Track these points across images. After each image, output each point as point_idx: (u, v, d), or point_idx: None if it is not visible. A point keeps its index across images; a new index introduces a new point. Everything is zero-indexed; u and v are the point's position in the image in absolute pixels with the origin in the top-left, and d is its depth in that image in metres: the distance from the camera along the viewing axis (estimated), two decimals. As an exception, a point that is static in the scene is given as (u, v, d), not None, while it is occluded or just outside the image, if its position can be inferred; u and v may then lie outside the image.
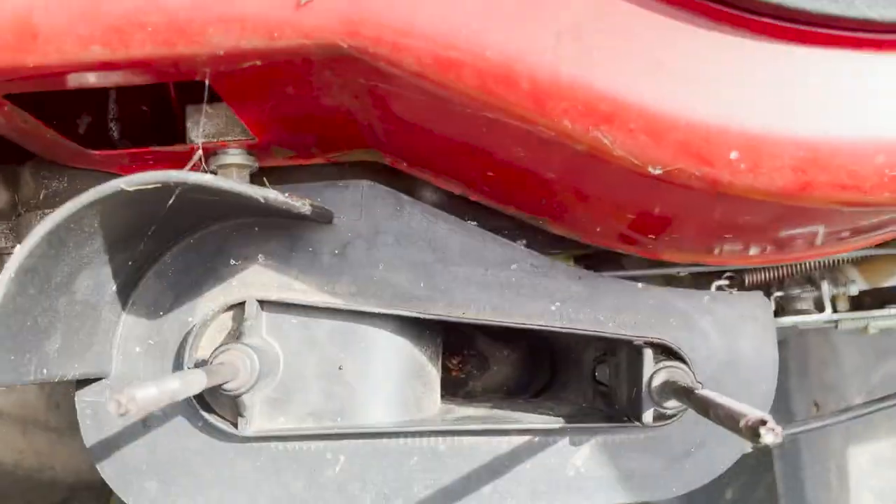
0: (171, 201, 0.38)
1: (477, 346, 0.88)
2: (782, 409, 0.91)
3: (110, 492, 0.69)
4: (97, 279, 0.43)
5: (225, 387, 0.46)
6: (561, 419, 0.54)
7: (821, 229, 0.48)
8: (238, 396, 0.50)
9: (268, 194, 0.40)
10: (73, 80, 0.36)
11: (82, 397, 0.55)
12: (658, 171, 0.39)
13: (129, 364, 0.48)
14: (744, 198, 0.39)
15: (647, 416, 0.51)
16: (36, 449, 0.95)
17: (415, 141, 0.42)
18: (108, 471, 0.55)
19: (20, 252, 0.38)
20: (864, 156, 0.38)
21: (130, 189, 0.37)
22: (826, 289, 0.71)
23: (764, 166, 0.38)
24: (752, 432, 0.38)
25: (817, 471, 0.88)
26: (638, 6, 0.38)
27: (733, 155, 0.38)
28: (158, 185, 0.37)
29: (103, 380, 0.53)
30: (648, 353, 0.53)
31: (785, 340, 0.84)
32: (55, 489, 0.98)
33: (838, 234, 0.51)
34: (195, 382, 0.42)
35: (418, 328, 0.56)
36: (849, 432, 0.86)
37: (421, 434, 0.49)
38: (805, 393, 0.87)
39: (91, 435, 0.54)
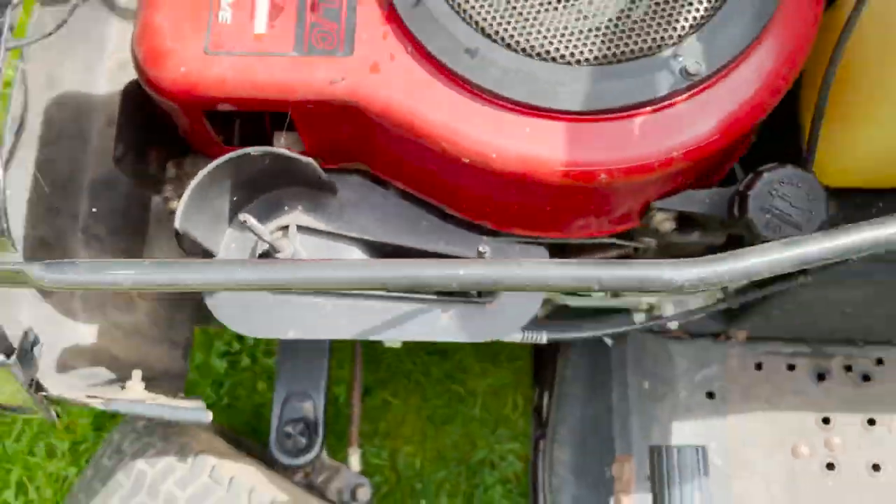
0: (264, 164, 0.72)
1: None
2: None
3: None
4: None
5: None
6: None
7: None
8: None
9: (310, 164, 0.73)
10: (233, 106, 0.72)
11: None
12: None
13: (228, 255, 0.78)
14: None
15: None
16: None
17: (387, 155, 0.74)
18: None
19: (197, 176, 0.71)
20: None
21: (254, 154, 0.72)
22: None
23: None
24: None
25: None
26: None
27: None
28: (262, 153, 0.72)
29: None
30: None
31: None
32: None
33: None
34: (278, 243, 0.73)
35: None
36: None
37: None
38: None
39: None
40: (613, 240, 0.81)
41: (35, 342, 0.70)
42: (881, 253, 0.58)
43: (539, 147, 0.65)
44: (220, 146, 0.75)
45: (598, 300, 1.02)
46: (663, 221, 0.75)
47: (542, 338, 0.94)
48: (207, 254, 0.76)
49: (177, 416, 0.80)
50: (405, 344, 1.46)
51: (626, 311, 1.03)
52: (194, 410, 0.81)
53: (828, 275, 0.83)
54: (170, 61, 0.67)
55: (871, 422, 1.07)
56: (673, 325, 1.02)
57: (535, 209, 0.73)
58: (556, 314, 1.10)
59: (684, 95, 0.64)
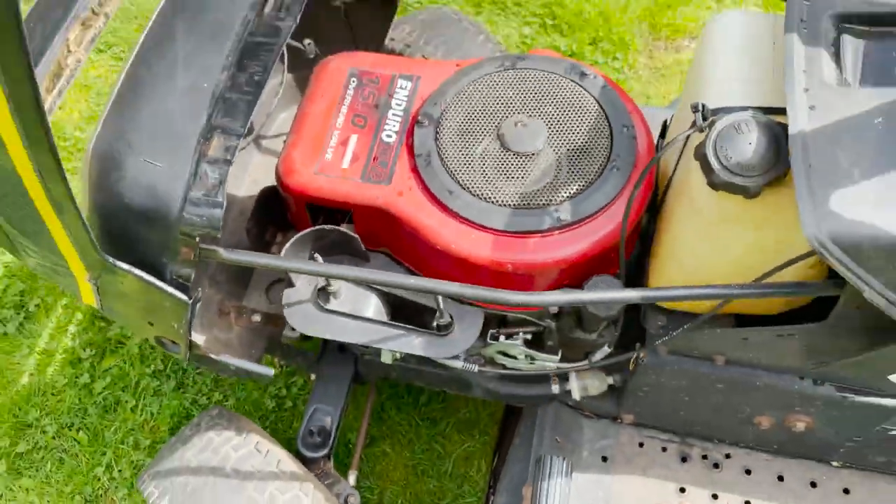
0: (331, 237, 1.27)
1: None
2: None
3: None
4: None
5: None
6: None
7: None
8: None
9: (357, 240, 1.30)
10: (323, 203, 1.30)
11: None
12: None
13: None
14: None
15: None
16: None
17: (401, 244, 1.34)
18: None
19: (294, 237, 1.30)
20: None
21: (326, 229, 1.27)
22: None
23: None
24: None
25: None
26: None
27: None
28: (331, 229, 1.29)
29: None
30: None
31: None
32: None
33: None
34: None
35: None
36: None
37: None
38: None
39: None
40: (527, 316, 1.33)
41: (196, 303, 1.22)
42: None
43: (479, 247, 1.20)
44: (308, 225, 1.34)
45: (524, 365, 1.50)
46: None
47: (475, 369, 1.41)
48: (290, 283, 1.32)
49: (252, 368, 1.32)
50: (402, 409, 1.95)
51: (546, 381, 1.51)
52: (264, 368, 1.33)
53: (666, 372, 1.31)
54: (295, 175, 1.27)
55: (715, 496, 1.49)
56: (575, 396, 1.49)
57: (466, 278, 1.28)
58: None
59: (557, 232, 1.19)
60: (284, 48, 1.31)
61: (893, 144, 0.89)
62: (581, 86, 1.29)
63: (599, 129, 1.25)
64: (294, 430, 1.95)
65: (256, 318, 1.53)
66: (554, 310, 1.29)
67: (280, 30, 1.14)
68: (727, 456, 1.53)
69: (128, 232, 1.07)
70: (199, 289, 1.18)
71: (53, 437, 1.95)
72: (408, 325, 1.29)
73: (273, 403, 1.99)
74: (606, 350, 1.34)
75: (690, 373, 1.31)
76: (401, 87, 1.33)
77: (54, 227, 1.00)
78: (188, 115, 1.07)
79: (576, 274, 1.23)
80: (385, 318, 1.31)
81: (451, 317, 1.27)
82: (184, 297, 1.10)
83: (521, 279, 1.23)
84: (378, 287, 1.31)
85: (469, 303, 1.31)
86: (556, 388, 1.50)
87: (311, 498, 1.47)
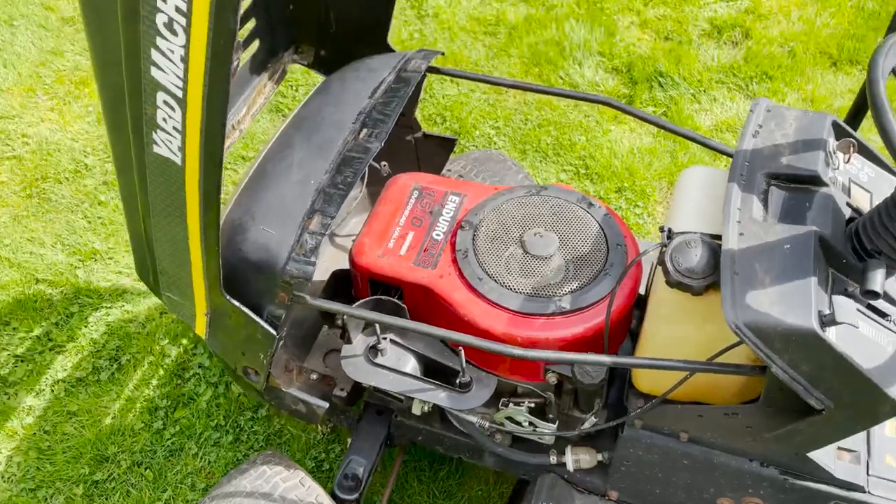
0: (386, 306, 1.66)
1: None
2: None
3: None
4: None
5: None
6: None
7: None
8: None
9: (405, 309, 1.67)
10: (382, 280, 1.69)
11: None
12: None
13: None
14: None
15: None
16: None
17: (440, 317, 1.68)
18: None
19: (357, 303, 1.70)
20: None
21: (384, 299, 1.66)
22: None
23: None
24: None
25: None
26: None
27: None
28: (388, 300, 1.67)
29: None
30: None
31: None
32: None
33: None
34: None
35: None
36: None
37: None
38: None
39: None
40: (533, 388, 1.66)
41: (281, 340, 1.59)
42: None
43: (497, 323, 1.56)
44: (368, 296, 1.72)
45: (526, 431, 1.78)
46: (551, 377, 1.60)
47: (486, 425, 1.72)
48: (348, 340, 1.68)
49: (311, 399, 1.66)
50: (423, 481, 2.23)
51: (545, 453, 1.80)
52: (320, 401, 1.67)
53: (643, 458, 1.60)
54: (364, 256, 1.67)
55: (684, 570, 1.72)
56: (569, 467, 1.76)
57: (493, 358, 1.62)
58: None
59: (558, 316, 1.54)
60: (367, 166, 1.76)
61: (793, 263, 1.24)
62: (588, 212, 1.69)
63: (598, 244, 1.63)
64: (328, 489, 2.24)
65: (313, 376, 1.88)
66: (553, 380, 1.61)
67: (369, 150, 1.58)
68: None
69: (243, 279, 1.47)
70: (284, 331, 1.56)
71: (125, 472, 2.28)
72: (436, 381, 1.63)
73: (313, 464, 2.29)
74: (594, 420, 1.64)
75: (660, 447, 1.59)
76: (451, 201, 1.75)
77: (197, 275, 1.41)
78: (298, 201, 1.49)
79: (572, 350, 1.57)
80: (419, 375, 1.65)
81: (471, 378, 1.62)
82: (274, 332, 1.48)
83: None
84: (416, 351, 1.67)
85: (486, 370, 1.65)
86: (553, 459, 1.78)
87: (340, 531, 1.76)
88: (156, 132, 1.14)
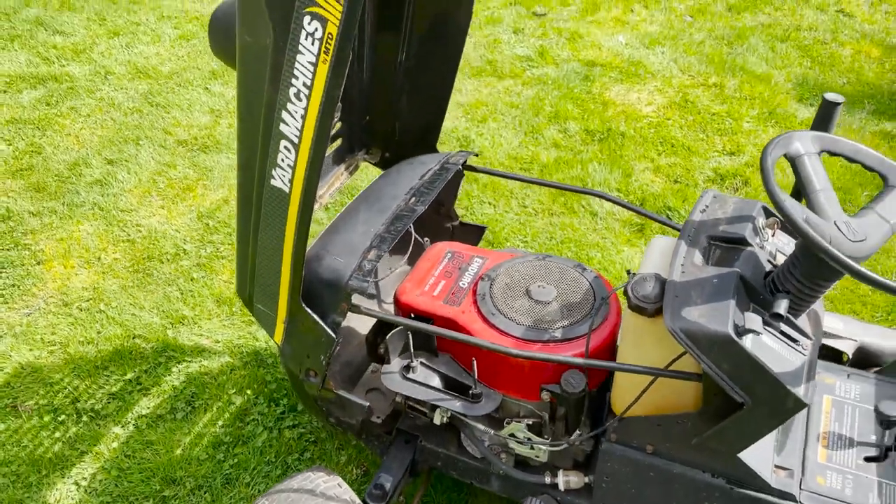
0: (413, 336, 2.14)
1: None
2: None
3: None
4: None
5: None
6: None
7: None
8: None
9: (433, 338, 2.13)
10: (419, 314, 2.18)
11: None
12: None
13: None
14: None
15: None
16: None
17: (463, 349, 2.13)
18: None
19: (400, 328, 2.17)
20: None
21: (412, 326, 2.17)
22: None
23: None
24: None
25: None
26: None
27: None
28: (420, 327, 2.18)
29: None
30: None
31: None
32: None
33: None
34: None
35: None
36: None
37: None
38: None
39: None
40: (530, 407, 2.07)
41: (337, 344, 2.07)
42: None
43: (504, 345, 2.02)
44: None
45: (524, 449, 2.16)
46: (545, 395, 2.01)
47: (490, 433, 2.12)
48: (388, 362, 2.14)
49: (354, 398, 2.10)
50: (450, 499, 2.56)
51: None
52: (362, 400, 2.11)
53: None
54: (406, 295, 2.17)
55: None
56: (560, 487, 2.12)
57: (496, 374, 2.05)
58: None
59: (552, 343, 1.99)
60: (412, 241, 2.31)
61: (718, 290, 1.70)
62: (581, 274, 2.18)
63: (587, 296, 2.11)
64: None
65: (364, 410, 2.32)
66: (546, 398, 2.03)
67: (415, 210, 2.13)
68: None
69: (316, 294, 1.98)
70: (341, 337, 2.04)
71: (188, 493, 2.68)
72: (454, 393, 2.07)
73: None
74: (577, 433, 2.03)
75: (631, 460, 1.96)
76: (475, 261, 2.27)
77: (283, 286, 1.93)
78: (360, 240, 2.03)
79: (560, 371, 2.00)
80: (441, 388, 2.10)
81: (481, 391, 2.05)
82: (333, 335, 1.97)
83: (529, 370, 2.01)
84: (439, 371, 2.12)
85: (493, 388, 2.08)
86: (547, 479, 2.15)
87: (367, 528, 2.13)
88: (275, 169, 1.71)
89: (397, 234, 2.06)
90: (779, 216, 1.95)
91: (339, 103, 2.32)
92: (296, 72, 1.56)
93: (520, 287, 2.15)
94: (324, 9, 1.48)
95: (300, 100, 1.58)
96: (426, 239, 2.49)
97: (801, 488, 1.85)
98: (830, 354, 2.53)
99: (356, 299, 2.00)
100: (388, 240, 2.04)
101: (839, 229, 1.66)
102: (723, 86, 4.83)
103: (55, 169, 4.04)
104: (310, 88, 1.56)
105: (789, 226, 1.60)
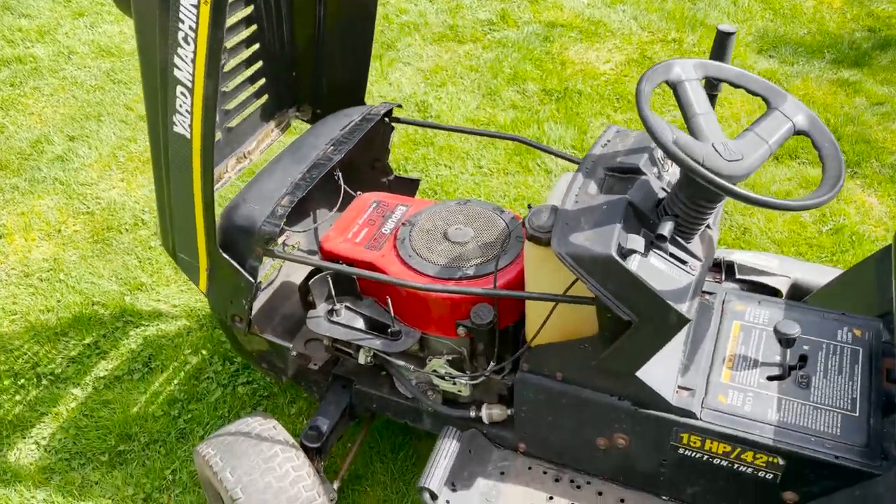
0: (336, 278, 2.23)
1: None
2: None
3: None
4: None
5: None
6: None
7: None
8: None
9: (355, 282, 2.21)
10: (342, 262, 2.31)
11: None
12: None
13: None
14: None
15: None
16: None
17: (381, 289, 2.19)
18: None
19: (323, 273, 2.23)
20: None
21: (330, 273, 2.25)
22: None
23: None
24: None
25: None
26: None
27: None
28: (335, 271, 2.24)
29: None
30: None
31: None
32: None
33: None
34: None
35: None
36: None
37: None
38: None
39: None
40: (449, 343, 2.14)
41: (258, 289, 2.14)
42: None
43: (421, 282, 2.08)
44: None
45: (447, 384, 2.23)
46: (461, 330, 2.08)
47: (410, 368, 2.20)
48: (313, 306, 2.22)
49: (280, 341, 2.18)
50: (384, 462, 2.65)
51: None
52: (287, 343, 2.19)
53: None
54: (329, 243, 2.23)
55: (573, 504, 2.09)
56: (485, 420, 2.20)
57: (413, 313, 2.12)
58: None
59: (464, 280, 2.05)
60: (343, 192, 2.38)
61: (605, 215, 1.76)
62: (499, 216, 2.24)
63: (502, 236, 2.17)
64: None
65: (294, 353, 2.40)
66: (462, 333, 2.09)
67: (332, 159, 2.20)
68: (588, 483, 2.15)
69: (233, 241, 2.06)
70: (260, 281, 2.11)
71: (143, 447, 2.78)
72: (375, 332, 2.14)
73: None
74: (493, 365, 2.10)
75: (544, 388, 2.03)
76: (399, 209, 2.33)
77: (200, 233, 2.00)
78: (276, 188, 2.10)
79: (472, 304, 2.06)
80: (364, 329, 2.17)
81: (400, 329, 2.12)
82: (252, 280, 2.04)
83: (443, 307, 2.08)
84: (362, 313, 2.19)
85: (412, 327, 2.15)
86: (472, 413, 2.22)
87: (301, 462, 2.21)
88: (174, 115, 1.78)
89: (312, 181, 2.13)
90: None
91: (262, 59, 2.38)
92: (181, 15, 1.62)
93: (438, 231, 2.21)
94: (200, -47, 1.54)
95: (188, 43, 1.64)
96: (359, 192, 2.56)
97: (702, 406, 1.92)
98: (766, 292, 2.60)
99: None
100: (302, 186, 2.11)
101: (716, 150, 1.71)
102: (682, 41, 4.85)
103: (17, 147, 4.12)
104: (195, 31, 1.62)
105: (659, 148, 1.66)
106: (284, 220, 2.02)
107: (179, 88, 1.72)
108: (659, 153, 2.00)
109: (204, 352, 3.09)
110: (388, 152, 2.69)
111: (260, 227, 2.02)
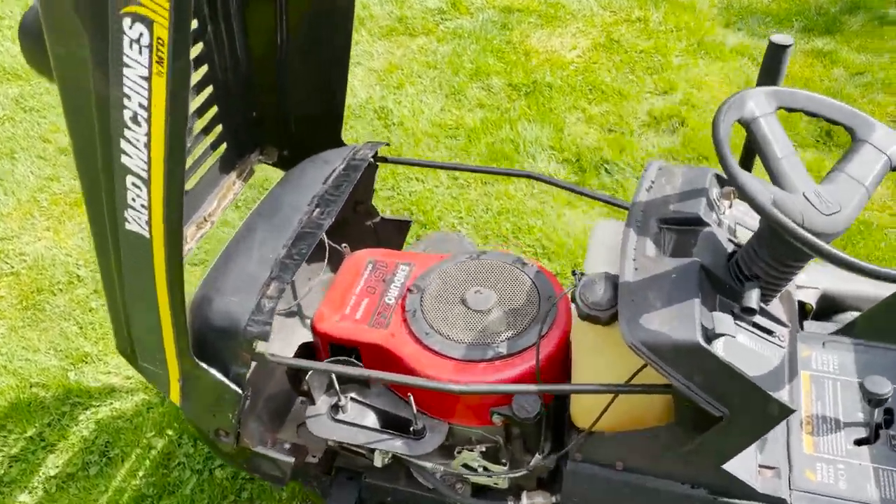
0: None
1: None
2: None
3: None
4: None
5: None
6: None
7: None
8: None
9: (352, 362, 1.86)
10: (341, 343, 1.86)
11: None
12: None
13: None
14: None
15: None
16: None
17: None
18: None
19: (320, 364, 1.84)
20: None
21: (338, 360, 1.85)
22: None
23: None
24: None
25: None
26: None
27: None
28: (341, 359, 1.83)
29: None
30: None
31: None
32: None
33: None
34: None
35: None
36: None
37: None
38: None
39: None
40: (484, 434, 1.80)
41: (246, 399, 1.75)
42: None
43: (443, 371, 1.73)
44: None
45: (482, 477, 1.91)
46: (497, 419, 1.75)
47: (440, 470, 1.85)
48: (313, 402, 1.84)
49: (279, 456, 1.80)
50: None
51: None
52: (286, 458, 1.81)
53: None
54: (324, 322, 1.86)
55: None
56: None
57: (438, 403, 1.77)
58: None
59: (498, 361, 1.71)
60: (328, 250, 1.99)
61: (679, 288, 1.44)
62: (522, 270, 1.90)
63: (531, 297, 1.83)
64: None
65: (287, 446, 2.02)
66: (499, 422, 1.76)
67: (322, 225, 1.81)
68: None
69: (211, 344, 1.66)
70: (249, 389, 1.72)
71: (112, 559, 2.37)
72: (393, 431, 1.79)
73: (294, 540, 2.38)
74: (539, 457, 1.78)
75: (600, 479, 1.72)
76: (401, 270, 1.96)
77: (168, 343, 1.60)
78: (258, 272, 1.70)
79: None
80: (378, 428, 1.81)
81: (424, 425, 1.77)
82: (239, 390, 1.65)
83: (476, 396, 1.74)
84: (374, 406, 1.83)
85: (438, 418, 1.81)
86: (511, 504, 1.90)
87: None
88: (126, 211, 1.36)
89: (302, 258, 1.74)
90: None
91: (216, 103, 1.96)
92: (126, 90, 1.20)
93: (454, 296, 1.86)
94: (146, 7, 1.12)
95: (139, 124, 1.23)
96: (345, 245, 2.17)
97: (790, 488, 1.64)
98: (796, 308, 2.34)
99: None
100: (290, 267, 1.72)
101: (809, 202, 1.41)
102: (647, 20, 4.55)
103: (-83, 200, 3.55)
104: (148, 110, 1.21)
105: (756, 212, 1.34)
106: (274, 314, 1.63)
107: (130, 179, 1.31)
108: (715, 193, 1.68)
109: (170, 432, 2.67)
110: (372, 193, 2.30)
111: (245, 329, 1.63)
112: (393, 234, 2.37)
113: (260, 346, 1.64)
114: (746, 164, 1.89)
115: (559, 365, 1.81)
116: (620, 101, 3.94)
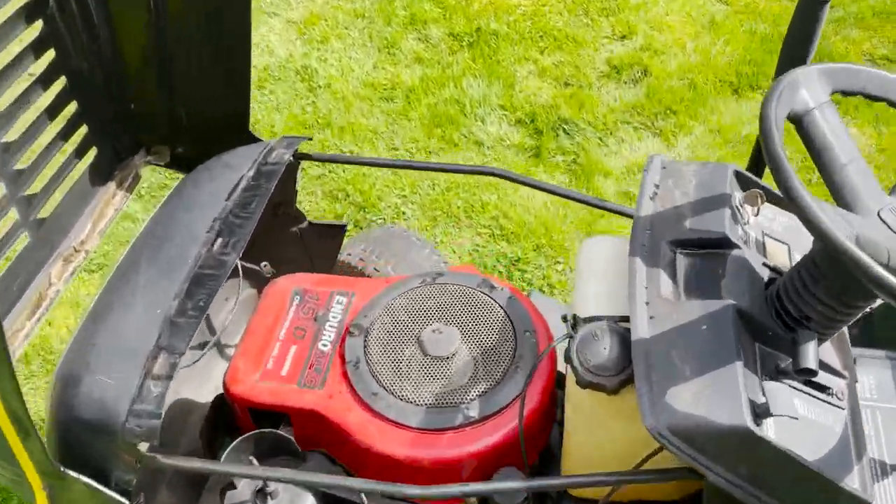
0: (271, 438, 1.41)
1: None
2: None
3: None
4: None
5: None
6: None
7: None
8: None
9: (293, 441, 1.43)
10: (264, 408, 1.44)
11: None
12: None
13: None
14: None
15: None
16: None
17: (334, 443, 1.39)
18: None
19: (238, 440, 1.43)
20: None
21: (265, 432, 1.42)
22: None
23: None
24: None
25: None
26: None
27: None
28: (270, 432, 1.43)
29: None
30: None
31: None
32: None
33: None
34: None
35: None
36: None
37: None
38: None
39: None
40: (451, 509, 1.43)
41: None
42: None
43: (399, 445, 1.34)
44: (252, 429, 1.48)
45: None
46: (473, 501, 1.38)
47: None
48: (233, 486, 1.44)
49: None
50: None
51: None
52: None
53: None
54: (239, 384, 1.43)
55: None
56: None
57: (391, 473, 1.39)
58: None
59: (468, 428, 1.33)
60: (241, 268, 1.55)
61: (713, 346, 1.07)
62: (490, 297, 1.50)
63: (504, 333, 1.44)
64: None
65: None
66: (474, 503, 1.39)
67: (225, 263, 1.37)
68: None
69: (79, 443, 1.22)
70: (143, 493, 1.30)
71: None
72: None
73: None
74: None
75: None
76: (337, 302, 1.54)
77: (14, 441, 1.15)
78: (141, 337, 1.26)
79: (488, 465, 1.36)
80: (320, 513, 1.41)
81: (377, 510, 1.39)
82: (126, 501, 1.22)
83: (439, 473, 1.36)
84: (311, 486, 1.43)
85: (400, 499, 1.42)
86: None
87: None
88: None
89: (200, 314, 1.30)
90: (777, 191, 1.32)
91: (74, 97, 1.47)
92: None
93: (406, 336, 1.45)
94: None
95: None
96: (265, 264, 1.73)
97: None
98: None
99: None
100: (184, 330, 1.27)
101: (886, 224, 1.05)
102: (599, -47, 4.08)
103: None
104: None
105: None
106: (164, 402, 1.20)
107: None
108: (738, 198, 1.30)
109: None
110: (296, 193, 1.85)
111: (124, 426, 1.19)
112: (325, 241, 1.93)
113: (149, 440, 1.21)
114: (757, 168, 1.52)
115: (545, 417, 1.44)
116: (575, 49, 3.51)
